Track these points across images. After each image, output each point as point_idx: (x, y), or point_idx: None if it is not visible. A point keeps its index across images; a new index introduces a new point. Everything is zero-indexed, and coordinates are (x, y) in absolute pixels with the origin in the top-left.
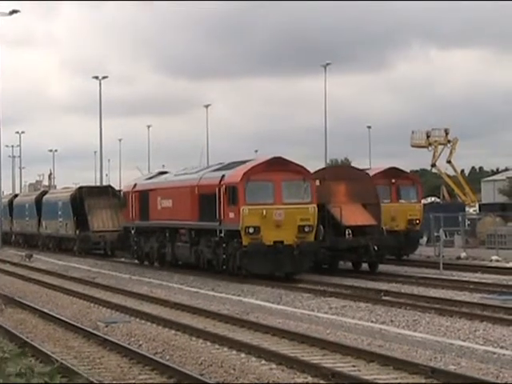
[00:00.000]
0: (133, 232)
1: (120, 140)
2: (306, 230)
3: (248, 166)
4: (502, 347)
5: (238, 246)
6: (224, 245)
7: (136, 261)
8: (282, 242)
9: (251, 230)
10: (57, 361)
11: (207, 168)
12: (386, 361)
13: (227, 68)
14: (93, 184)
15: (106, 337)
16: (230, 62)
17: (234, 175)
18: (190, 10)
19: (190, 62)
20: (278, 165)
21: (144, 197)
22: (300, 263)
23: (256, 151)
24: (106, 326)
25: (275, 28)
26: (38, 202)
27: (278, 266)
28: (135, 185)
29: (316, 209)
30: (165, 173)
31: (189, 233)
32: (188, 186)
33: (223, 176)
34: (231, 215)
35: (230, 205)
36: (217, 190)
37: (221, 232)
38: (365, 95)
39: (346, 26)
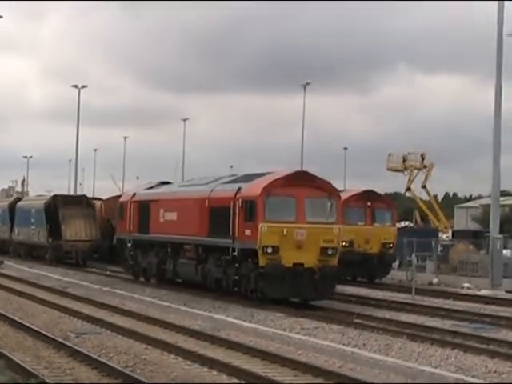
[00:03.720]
0: (129, 245)
1: (95, 150)
2: (329, 252)
3: (269, 178)
4: (473, 376)
5: (253, 267)
6: (237, 264)
7: (131, 276)
8: (302, 265)
9: (269, 250)
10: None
11: (219, 179)
12: None
13: (208, 83)
14: (66, 192)
15: (77, 348)
16: (212, 78)
17: (252, 188)
18: (175, 25)
19: (172, 76)
20: (301, 179)
21: (144, 208)
22: (321, 289)
23: (231, 167)
24: (77, 337)
25: (260, 46)
26: (12, 208)
27: (297, 291)
28: (134, 194)
29: (341, 230)
30: (167, 183)
31: (195, 249)
32: (197, 199)
33: (239, 189)
34: (247, 232)
35: (247, 221)
36: (231, 203)
37: (234, 250)
38: (346, 116)
39: (332, 47)
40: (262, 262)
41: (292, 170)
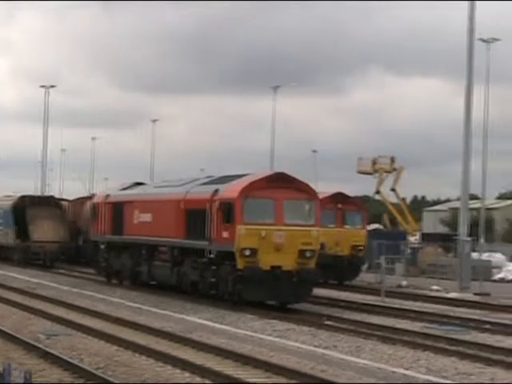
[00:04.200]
0: (102, 247)
1: (63, 150)
2: (308, 255)
3: (247, 180)
4: (443, 377)
5: (231, 270)
6: (214, 267)
7: (104, 278)
8: (280, 268)
9: (247, 253)
10: None
11: (194, 181)
12: None
13: (182, 85)
14: (33, 193)
15: (48, 349)
16: (185, 79)
17: (230, 190)
18: (150, 26)
19: (145, 76)
20: (280, 181)
21: (118, 209)
22: (299, 292)
23: (202, 170)
24: (48, 339)
25: (235, 48)
26: None
27: (275, 294)
28: (108, 195)
29: (319, 233)
30: (141, 184)
31: (171, 251)
32: (172, 200)
33: (217, 190)
34: (225, 234)
35: (225, 223)
36: (208, 205)
37: (211, 253)
38: (318, 120)
39: (303, 50)
40: (239, 264)
41: (270, 172)
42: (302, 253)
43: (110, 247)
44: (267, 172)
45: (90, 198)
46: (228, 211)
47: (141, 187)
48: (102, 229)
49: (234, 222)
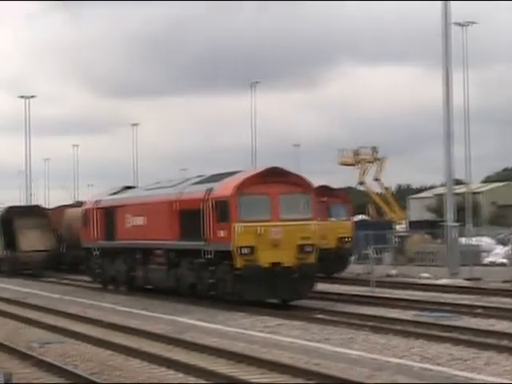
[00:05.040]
0: (96, 253)
1: (46, 159)
2: (307, 250)
3: (240, 177)
4: (438, 364)
5: (229, 269)
6: (212, 267)
7: (99, 285)
8: (279, 264)
9: (245, 251)
10: None
11: (186, 181)
12: (325, 379)
13: (155, 87)
14: (18, 204)
15: (41, 357)
16: (158, 81)
17: (224, 188)
18: (119, 29)
19: (117, 81)
20: (274, 176)
21: (109, 214)
22: (300, 288)
23: (184, 170)
24: (41, 347)
25: (205, 46)
26: None
27: (276, 292)
28: (98, 201)
29: (317, 226)
30: (131, 187)
31: (166, 254)
32: (165, 202)
33: (210, 189)
34: (221, 234)
35: (220, 222)
36: (202, 205)
37: (208, 253)
38: (294, 113)
39: (276, 44)
40: (238, 263)
41: (264, 167)
42: (301, 248)
43: (104, 253)
44: (260, 167)
45: (71, 205)
46: (223, 209)
47: (131, 190)
48: (94, 235)
49: (230, 220)
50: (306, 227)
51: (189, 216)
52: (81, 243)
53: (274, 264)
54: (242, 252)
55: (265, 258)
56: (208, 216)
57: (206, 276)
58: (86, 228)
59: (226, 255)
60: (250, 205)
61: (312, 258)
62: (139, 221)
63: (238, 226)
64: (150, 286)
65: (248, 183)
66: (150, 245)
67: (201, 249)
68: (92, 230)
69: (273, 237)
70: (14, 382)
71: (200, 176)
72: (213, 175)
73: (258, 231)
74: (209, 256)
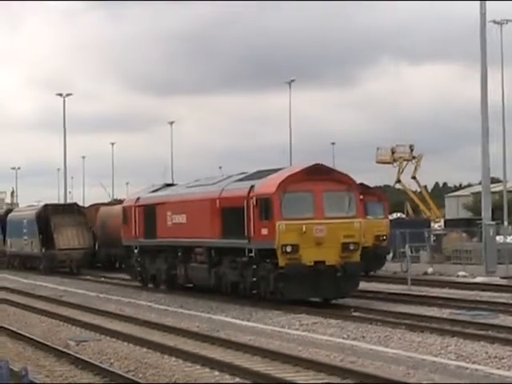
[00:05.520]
0: (136, 251)
1: (83, 157)
2: (351, 248)
3: (283, 174)
4: (474, 362)
5: (272, 268)
6: (254, 266)
7: (139, 283)
8: (323, 263)
9: (289, 249)
10: None
11: (228, 178)
12: (360, 377)
13: (194, 85)
14: (56, 201)
15: (77, 355)
16: (196, 79)
17: (267, 185)
18: (157, 28)
19: (157, 79)
20: (317, 173)
21: (150, 212)
22: (344, 287)
23: (220, 168)
24: (77, 345)
25: (245, 45)
26: (3, 220)
27: (319, 291)
28: (138, 198)
29: (362, 224)
30: (172, 185)
31: (208, 252)
32: (207, 199)
33: (252, 187)
34: (264, 232)
35: (263, 220)
36: (245, 202)
37: (250, 251)
38: (332, 112)
39: (314, 43)
40: (281, 261)
41: (307, 164)
42: (344, 246)
43: (144, 251)
44: (304, 164)
45: (104, 204)
46: (266, 207)
47: (172, 188)
48: (134, 233)
49: (273, 217)
50: (349, 225)
51: (231, 214)
52: (114, 241)
53: (318, 262)
54: (286, 250)
55: (308, 257)
56: (251, 213)
57: (249, 274)
58: (126, 226)
59: (268, 253)
60: (294, 202)
61: (356, 257)
62: (180, 218)
63: (281, 224)
64: (190, 285)
65: (291, 180)
66: (191, 243)
67: (243, 247)
68: (132, 228)
69: (316, 235)
70: (49, 380)
71: (242, 173)
72: (255, 172)
73: (302, 229)
74: (251, 254)
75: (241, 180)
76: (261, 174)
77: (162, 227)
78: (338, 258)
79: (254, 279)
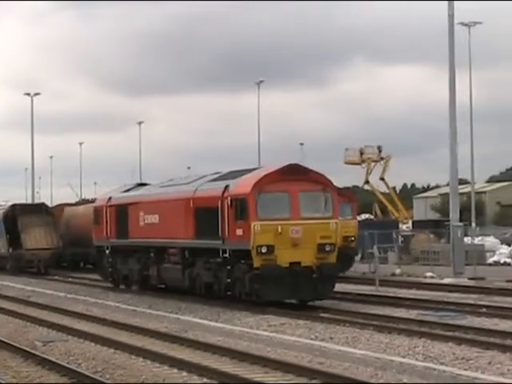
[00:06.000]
0: (107, 252)
1: (51, 157)
2: (327, 249)
3: (259, 174)
4: (441, 363)
5: (247, 269)
6: (229, 267)
7: (110, 284)
8: (299, 264)
9: (264, 250)
10: None
11: (202, 178)
12: (328, 378)
13: (166, 85)
14: (24, 201)
15: (45, 356)
16: (167, 79)
17: (242, 185)
18: (130, 27)
19: (127, 78)
20: (293, 173)
21: (122, 212)
22: (320, 288)
23: (188, 168)
24: (44, 345)
25: (214, 45)
26: None
27: (295, 292)
28: (110, 198)
29: (338, 225)
30: (145, 184)
31: (181, 253)
32: (180, 199)
33: (227, 186)
34: (239, 232)
35: (238, 220)
36: (219, 202)
37: (225, 252)
38: (304, 112)
39: (288, 43)
40: (256, 262)
41: (283, 164)
42: (321, 247)
43: (116, 252)
44: (279, 164)
45: (69, 204)
46: (241, 207)
47: (145, 188)
48: (106, 233)
49: (248, 218)
50: (326, 226)
51: (205, 214)
52: (79, 241)
53: (294, 264)
54: (261, 251)
55: (284, 258)
56: (225, 214)
57: (223, 275)
58: (98, 226)
59: (243, 254)
60: (269, 203)
61: (332, 258)
62: (153, 219)
63: (256, 225)
64: (162, 286)
65: (267, 180)
66: (164, 243)
67: (217, 247)
68: (104, 228)
69: (292, 235)
70: (15, 380)
71: (216, 173)
72: (230, 172)
73: (278, 230)
74: (226, 255)
75: (215, 180)
76: (235, 174)
77: (135, 227)
78: (313, 259)
79: (229, 280)
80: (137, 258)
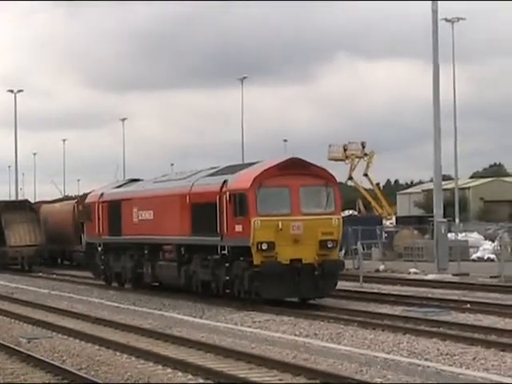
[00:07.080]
0: (99, 249)
1: (35, 154)
2: (329, 245)
3: (258, 168)
4: (426, 359)
5: (246, 266)
6: (227, 264)
7: (102, 282)
8: (300, 261)
9: (264, 247)
10: None
11: (198, 173)
12: (313, 374)
13: (150, 82)
14: (7, 198)
15: (29, 353)
16: (153, 76)
17: (241, 180)
18: (115, 24)
19: (112, 75)
20: (294, 167)
21: (114, 208)
22: (322, 286)
23: (172, 165)
24: (29, 342)
25: (202, 42)
26: None
27: (296, 290)
28: (102, 194)
29: (340, 220)
30: (137, 180)
31: (177, 250)
32: (176, 195)
33: (225, 181)
34: (238, 228)
35: (237, 216)
36: (217, 198)
37: (223, 249)
38: (288, 109)
39: (272, 40)
40: (256, 260)
41: (283, 158)
42: (322, 244)
43: (108, 249)
44: (280, 158)
45: (48, 201)
46: (240, 203)
47: (138, 183)
48: (98, 230)
49: (248, 214)
50: (327, 222)
51: (202, 210)
52: (56, 238)
53: (295, 260)
54: (261, 248)
55: (285, 255)
56: (224, 210)
57: (221, 273)
58: (90, 223)
59: (242, 251)
60: (270, 198)
61: (335, 255)
62: (147, 215)
63: (256, 221)
64: (156, 284)
65: (267, 175)
66: (159, 240)
67: (215, 244)
68: (96, 225)
69: (293, 232)
70: (0, 377)
71: (213, 168)
72: (227, 167)
73: (278, 226)
74: (224, 252)
75: (212, 175)
76: (233, 169)
77: (128, 224)
78: (315, 255)
79: (227, 278)
80: (130, 256)
